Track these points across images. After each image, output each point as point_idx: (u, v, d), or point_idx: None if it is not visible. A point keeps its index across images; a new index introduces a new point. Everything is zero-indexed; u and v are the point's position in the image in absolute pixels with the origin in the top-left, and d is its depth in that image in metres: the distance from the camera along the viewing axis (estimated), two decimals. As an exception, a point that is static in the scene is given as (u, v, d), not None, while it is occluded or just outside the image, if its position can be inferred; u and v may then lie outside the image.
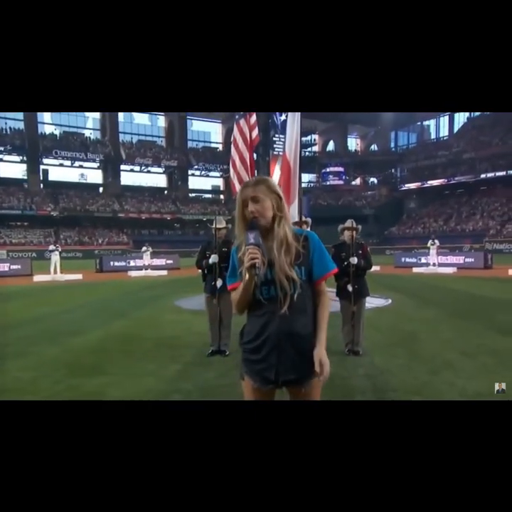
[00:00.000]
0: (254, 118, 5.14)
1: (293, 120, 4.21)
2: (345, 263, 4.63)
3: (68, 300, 10.18)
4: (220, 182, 57.56)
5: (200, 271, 5.12)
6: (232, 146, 4.85)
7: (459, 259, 20.22)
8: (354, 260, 4.66)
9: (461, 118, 53.69)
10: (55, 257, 17.78)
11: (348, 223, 4.86)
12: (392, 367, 4.28)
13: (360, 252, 4.79)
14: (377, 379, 3.90)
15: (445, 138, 54.16)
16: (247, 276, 1.55)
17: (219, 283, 4.78)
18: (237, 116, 5.22)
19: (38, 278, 17.22)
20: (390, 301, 9.11)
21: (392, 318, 7.17)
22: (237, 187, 5.43)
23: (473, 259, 19.60)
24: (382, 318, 6.97)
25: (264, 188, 1.65)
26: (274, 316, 1.61)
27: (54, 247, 18.08)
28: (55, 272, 17.63)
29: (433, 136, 57.27)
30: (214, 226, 4.97)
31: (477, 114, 51.23)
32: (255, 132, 4.67)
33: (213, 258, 4.82)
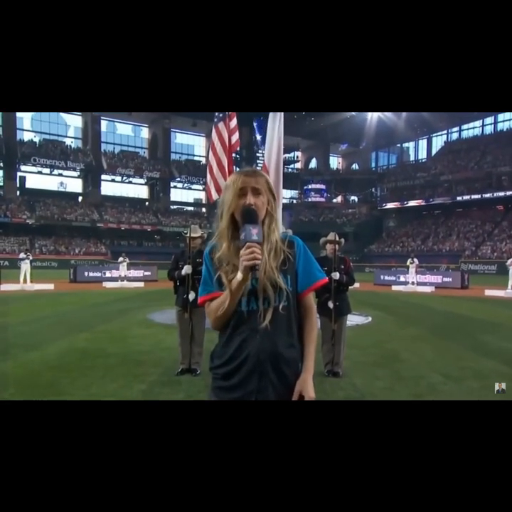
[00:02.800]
0: (234, 121, 4.86)
1: (274, 121, 3.94)
2: (327, 278, 4.37)
3: (32, 311, 9.58)
4: (202, 195, 57.23)
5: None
6: (209, 150, 4.56)
7: (437, 279, 20.35)
8: (336, 275, 4.41)
9: (438, 142, 55.21)
10: (25, 266, 17.03)
11: (331, 236, 4.62)
12: (374, 390, 4.00)
13: (343, 267, 4.55)
14: (359, 403, 3.61)
15: (423, 160, 55.40)
16: (241, 277, 1.27)
17: (191, 296, 4.45)
18: (215, 119, 4.93)
19: (5, 287, 16.41)
20: (370, 318, 8.92)
21: (372, 336, 6.95)
22: (214, 194, 5.12)
23: (450, 279, 19.76)
24: (363, 336, 6.73)
25: (264, 182, 1.41)
26: (255, 332, 1.33)
27: (24, 255, 17.34)
28: (25, 282, 16.87)
29: (412, 157, 58.59)
30: (188, 235, 4.66)
31: (454, 139, 52.86)
32: (235, 136, 4.39)
33: (186, 269, 4.49)
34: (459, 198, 45.00)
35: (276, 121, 3.97)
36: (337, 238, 4.58)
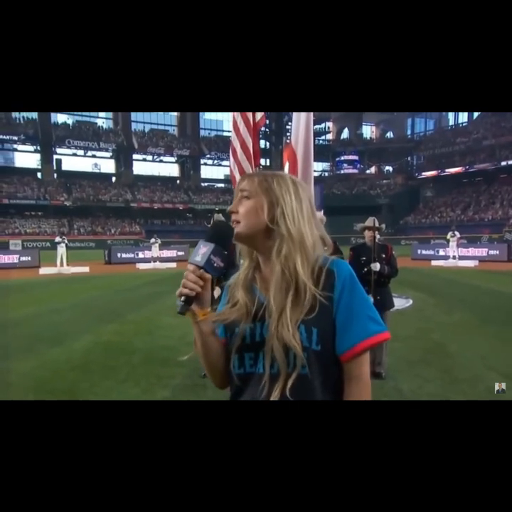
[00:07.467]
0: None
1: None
2: (366, 269, 3.90)
3: (62, 297, 9.57)
4: (232, 171, 56.87)
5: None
6: (232, 130, 4.09)
7: (482, 252, 19.17)
8: (376, 267, 3.92)
9: (482, 103, 51.75)
10: (61, 249, 17.34)
11: (369, 222, 4.10)
12: (424, 397, 3.55)
13: (384, 256, 4.05)
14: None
15: (464, 124, 52.18)
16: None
17: (217, 292, 4.08)
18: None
19: (43, 271, 16.82)
20: (410, 301, 8.35)
21: (415, 323, 6.43)
22: (238, 179, 4.64)
23: (497, 252, 18.55)
24: (405, 324, 6.22)
25: (259, 181, 1.00)
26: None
27: (60, 239, 17.66)
28: (62, 265, 17.20)
29: (451, 122, 55.27)
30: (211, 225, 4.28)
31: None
32: (260, 113, 3.90)
33: (210, 262, 4.13)
34: (503, 163, 42.25)
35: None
36: (377, 224, 4.06)
